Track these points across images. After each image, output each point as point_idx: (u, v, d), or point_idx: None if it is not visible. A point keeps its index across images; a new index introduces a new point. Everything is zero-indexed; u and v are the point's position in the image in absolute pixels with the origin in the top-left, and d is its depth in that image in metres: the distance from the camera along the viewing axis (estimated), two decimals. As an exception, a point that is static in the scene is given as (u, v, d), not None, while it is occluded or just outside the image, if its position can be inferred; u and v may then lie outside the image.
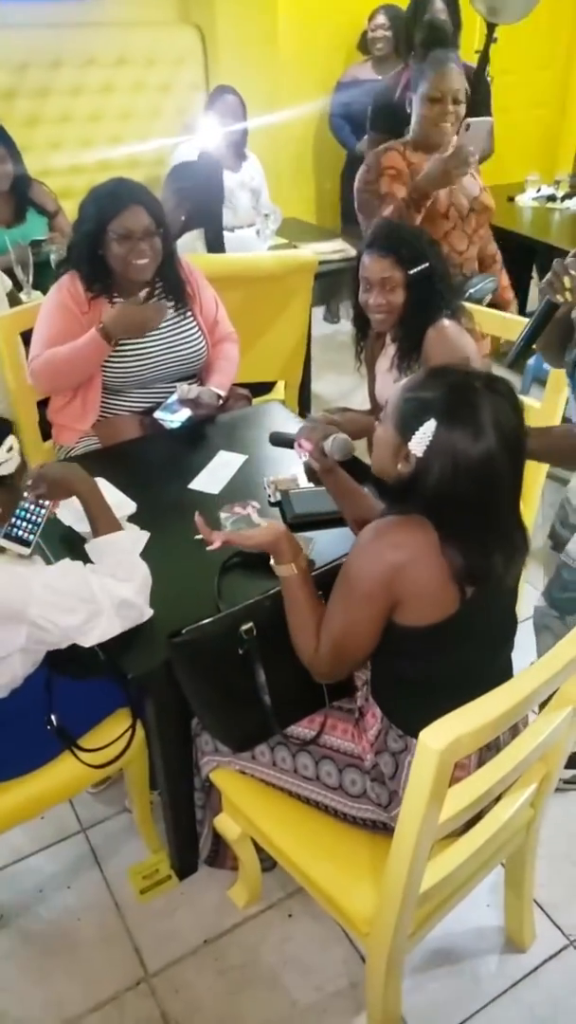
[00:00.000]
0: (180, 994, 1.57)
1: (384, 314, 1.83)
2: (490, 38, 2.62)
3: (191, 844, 1.69)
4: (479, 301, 2.21)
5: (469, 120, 2.15)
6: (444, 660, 1.20)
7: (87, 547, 1.46)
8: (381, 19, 3.68)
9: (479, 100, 3.04)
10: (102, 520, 1.45)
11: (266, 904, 1.71)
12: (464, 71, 3.04)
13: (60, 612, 1.29)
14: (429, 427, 1.11)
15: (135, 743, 1.54)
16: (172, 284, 2.07)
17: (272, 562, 1.30)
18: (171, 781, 1.59)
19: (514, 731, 1.24)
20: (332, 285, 4.30)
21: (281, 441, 1.84)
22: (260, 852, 1.56)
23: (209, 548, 1.38)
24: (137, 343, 2.02)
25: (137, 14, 3.59)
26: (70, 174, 3.49)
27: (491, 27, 2.56)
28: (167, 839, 1.72)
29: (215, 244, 2.70)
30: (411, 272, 1.78)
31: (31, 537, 1.39)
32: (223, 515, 1.53)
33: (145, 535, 1.51)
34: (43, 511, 1.41)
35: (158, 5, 3.65)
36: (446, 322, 1.81)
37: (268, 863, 1.62)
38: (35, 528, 1.40)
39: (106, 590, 1.34)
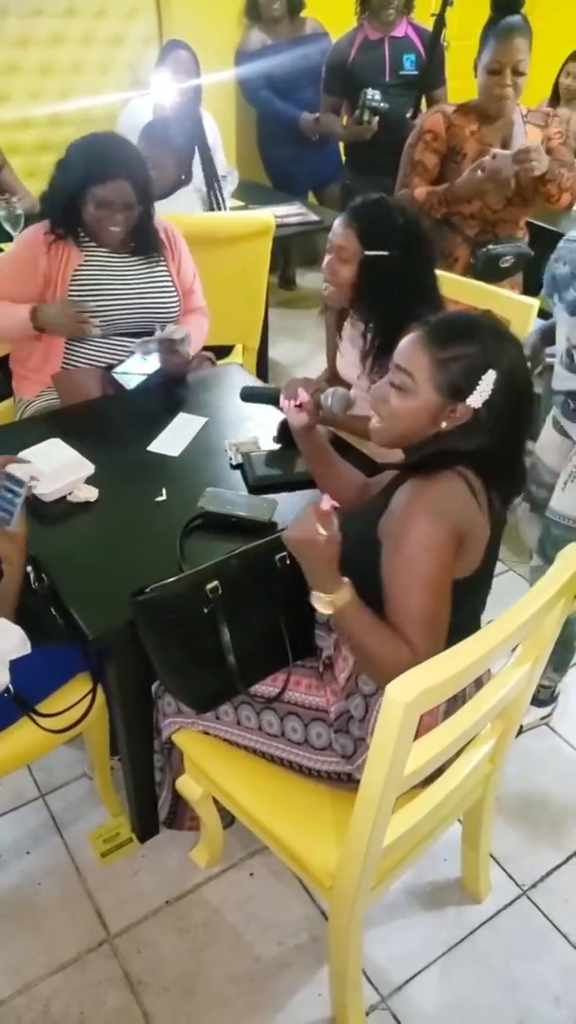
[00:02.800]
0: (143, 953, 1.57)
1: (329, 284, 1.76)
2: (445, 2, 2.58)
3: (151, 806, 1.69)
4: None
5: (495, 151, 2.18)
6: (459, 611, 1.19)
7: None
8: None
9: (433, 66, 3.03)
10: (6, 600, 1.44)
11: (228, 864, 1.72)
12: (420, 35, 3.03)
13: None
14: (490, 378, 1.14)
15: (95, 707, 1.53)
16: (145, 239, 2.04)
17: (317, 597, 1.15)
18: (132, 744, 1.58)
19: (478, 683, 1.26)
20: (289, 250, 4.26)
21: (256, 396, 1.73)
22: (219, 810, 1.57)
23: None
24: (107, 286, 1.98)
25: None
26: (18, 128, 3.37)
27: None
28: (128, 802, 1.71)
29: (216, 201, 2.65)
30: (367, 252, 1.68)
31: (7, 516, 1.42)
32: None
33: (19, 650, 1.43)
34: (17, 498, 1.42)
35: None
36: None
37: (227, 819, 1.63)
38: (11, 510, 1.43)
39: None
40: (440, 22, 2.66)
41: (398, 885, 1.68)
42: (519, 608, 1.13)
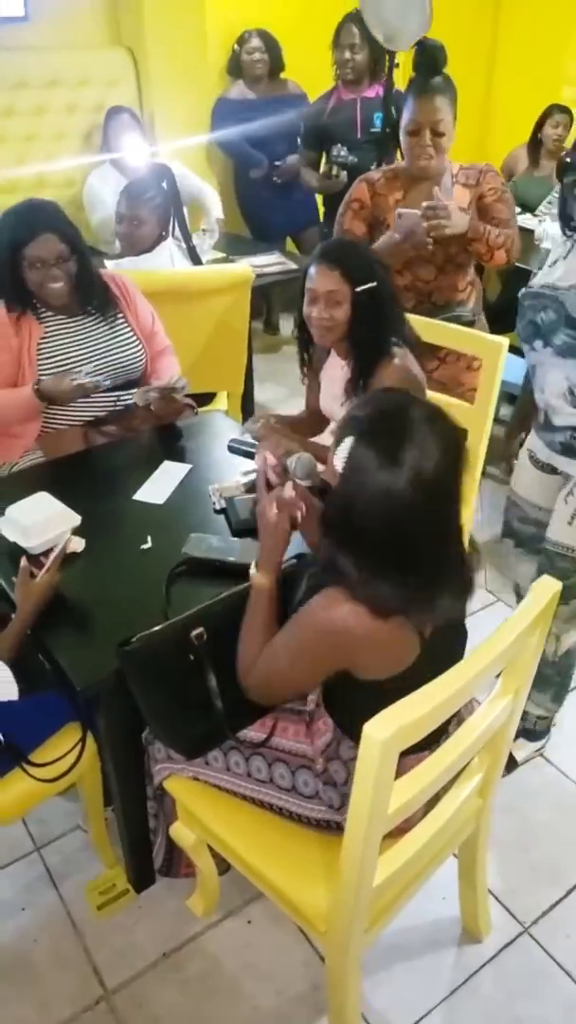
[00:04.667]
0: (142, 1009, 1.55)
1: (326, 328, 1.80)
2: (391, 64, 2.65)
3: (147, 856, 1.69)
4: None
5: (400, 211, 2.16)
6: (408, 691, 1.14)
7: None
8: (257, 42, 3.75)
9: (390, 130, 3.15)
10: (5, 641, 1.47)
11: (225, 911, 1.71)
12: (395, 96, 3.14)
13: None
14: (347, 443, 1.10)
15: (86, 756, 1.53)
16: (95, 297, 2.09)
17: (254, 568, 1.32)
18: (124, 792, 1.59)
19: (460, 719, 1.27)
20: (270, 297, 4.36)
21: (237, 451, 1.93)
22: (215, 856, 1.57)
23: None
24: (73, 353, 2.03)
25: (68, 37, 3.61)
26: (4, 192, 3.47)
27: (391, 55, 2.60)
28: (123, 852, 1.71)
29: (194, 253, 2.75)
30: (358, 289, 1.75)
31: None
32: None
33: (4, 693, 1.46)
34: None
35: (89, 28, 3.67)
36: (397, 361, 1.80)
37: (223, 866, 1.62)
38: None
39: None
40: (389, 83, 2.74)
41: (397, 926, 1.65)
42: (493, 641, 1.15)
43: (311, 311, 1.81)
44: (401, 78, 2.89)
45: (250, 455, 1.66)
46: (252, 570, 1.33)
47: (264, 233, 4.01)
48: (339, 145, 3.08)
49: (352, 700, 1.23)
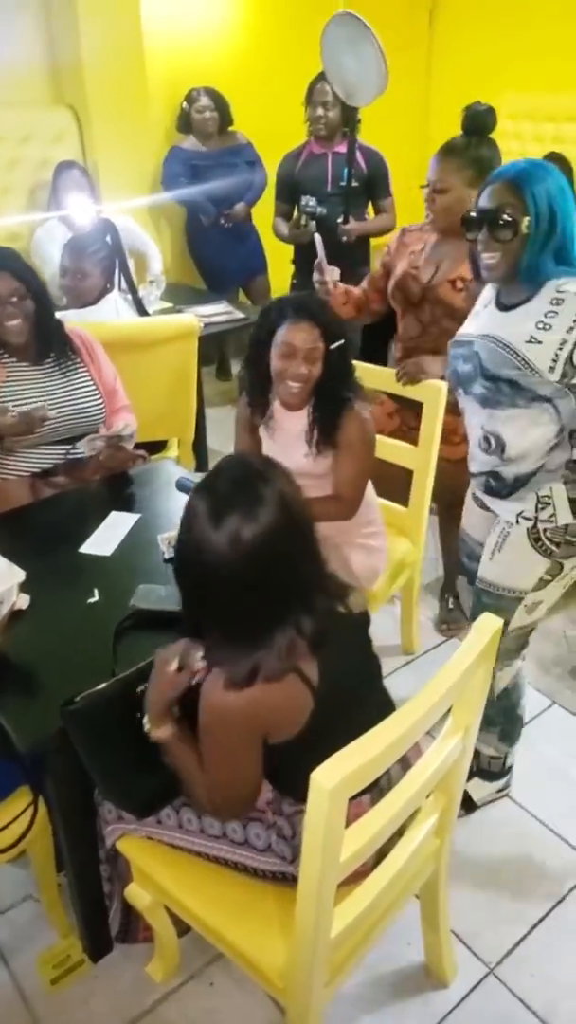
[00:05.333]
0: None
1: (302, 385, 1.83)
2: (354, 119, 2.77)
3: (102, 922, 1.63)
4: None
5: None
6: (327, 744, 1.08)
7: None
8: (206, 100, 3.86)
9: (376, 180, 3.32)
10: None
11: (186, 975, 1.66)
12: (361, 152, 3.23)
13: None
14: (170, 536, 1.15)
15: (37, 822, 1.49)
16: (56, 345, 2.11)
17: (148, 722, 1.27)
18: (76, 855, 1.54)
19: (405, 765, 1.26)
20: (221, 344, 4.42)
21: (186, 489, 1.95)
22: (173, 918, 1.53)
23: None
24: (32, 399, 2.03)
25: (9, 95, 3.66)
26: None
27: (352, 111, 2.72)
28: (76, 919, 1.65)
29: (140, 304, 2.78)
30: (331, 347, 1.81)
31: None
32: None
33: None
34: None
35: (30, 87, 3.73)
36: (358, 406, 1.87)
37: (182, 927, 1.58)
38: None
39: None
40: (352, 139, 2.85)
41: (362, 976, 1.63)
42: (436, 682, 1.16)
43: (287, 366, 1.82)
44: (364, 133, 3.05)
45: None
46: (146, 725, 1.27)
47: (217, 281, 4.08)
48: (308, 196, 3.17)
49: (276, 763, 1.23)
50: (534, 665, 2.43)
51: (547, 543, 1.66)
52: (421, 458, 2.18)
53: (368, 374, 2.29)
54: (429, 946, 1.63)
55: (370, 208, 3.45)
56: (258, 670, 1.12)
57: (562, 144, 4.21)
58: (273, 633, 1.13)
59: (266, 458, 1.21)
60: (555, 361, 1.49)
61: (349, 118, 2.68)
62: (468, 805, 1.96)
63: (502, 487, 1.67)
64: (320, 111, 3.24)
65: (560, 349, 1.49)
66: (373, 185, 3.32)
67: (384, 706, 1.34)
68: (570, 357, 1.49)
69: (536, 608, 1.74)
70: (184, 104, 3.91)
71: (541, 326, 1.51)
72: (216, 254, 4.06)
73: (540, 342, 1.50)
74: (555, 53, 4.25)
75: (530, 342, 1.51)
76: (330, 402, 1.86)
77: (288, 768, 1.21)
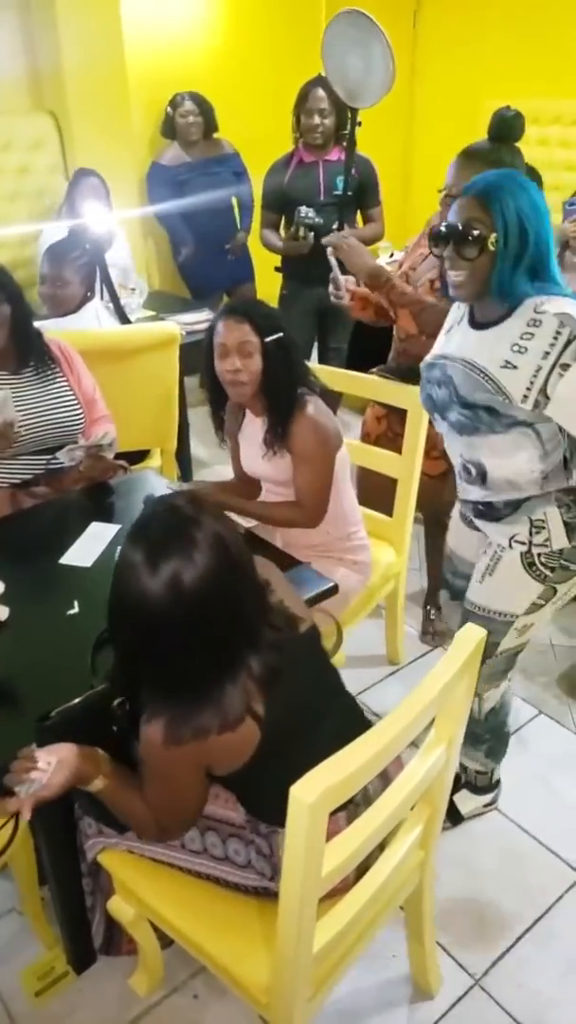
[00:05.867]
0: None
1: (242, 382, 1.83)
2: (354, 122, 2.66)
3: (86, 934, 1.61)
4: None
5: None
6: (287, 764, 1.08)
7: None
8: (190, 105, 3.86)
9: (365, 188, 3.25)
10: None
11: (170, 988, 1.64)
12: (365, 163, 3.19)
13: None
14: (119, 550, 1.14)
15: (18, 835, 1.47)
16: (34, 353, 2.10)
17: (77, 785, 1.24)
18: (58, 869, 1.52)
19: (385, 780, 1.26)
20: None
21: None
22: (157, 930, 1.51)
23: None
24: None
25: (-12, 102, 3.65)
26: None
27: (353, 113, 2.60)
28: (60, 932, 1.63)
29: (121, 312, 2.76)
30: (267, 339, 1.81)
31: None
32: (17, 788, 1.24)
33: None
34: None
35: (10, 94, 3.71)
36: (312, 409, 1.85)
37: (165, 940, 1.56)
38: None
39: None
40: (351, 142, 2.70)
41: (347, 989, 1.62)
42: (418, 694, 1.15)
43: (223, 365, 1.84)
44: (362, 137, 2.98)
45: None
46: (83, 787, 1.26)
47: (202, 290, 4.08)
48: (305, 207, 3.11)
49: (234, 787, 1.24)
50: (520, 675, 2.43)
51: (541, 568, 1.61)
52: (405, 467, 2.18)
53: (355, 382, 2.30)
54: (414, 957, 1.62)
55: (359, 218, 3.42)
56: (203, 729, 1.11)
57: (548, 147, 4.26)
58: (223, 685, 1.12)
59: (194, 497, 1.17)
60: (528, 389, 1.44)
61: (350, 121, 2.58)
62: (455, 818, 1.95)
63: (493, 511, 1.63)
64: (316, 119, 3.15)
65: (535, 376, 1.43)
66: (363, 193, 3.29)
67: (349, 711, 1.33)
68: (543, 386, 1.43)
69: (526, 631, 1.71)
70: (168, 109, 3.91)
71: (517, 348, 1.45)
72: (201, 263, 4.05)
73: (515, 367, 1.45)
74: (539, 57, 4.29)
75: (505, 367, 1.46)
76: (279, 399, 1.86)
77: (250, 793, 1.22)
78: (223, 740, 1.13)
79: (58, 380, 2.13)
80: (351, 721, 1.11)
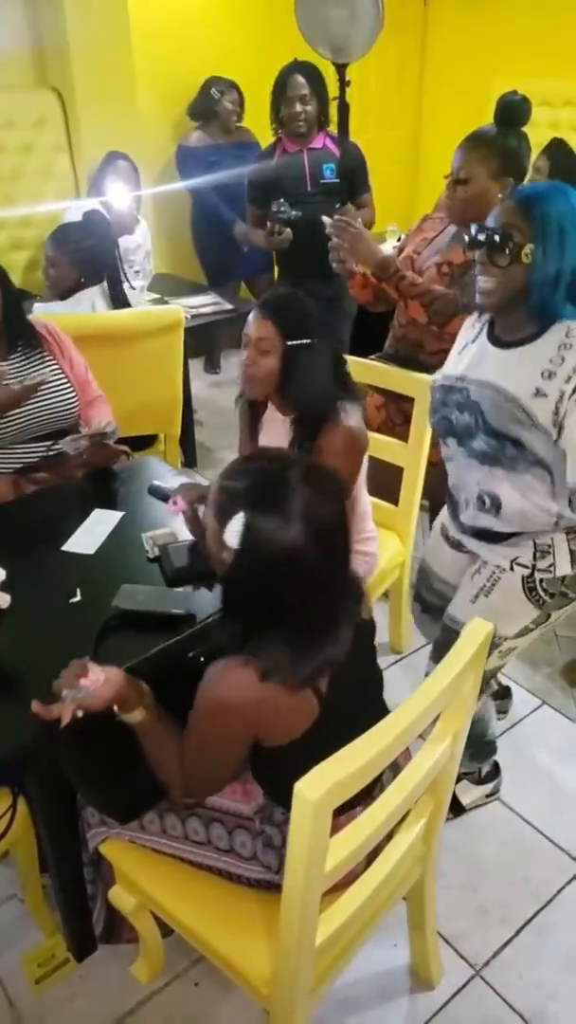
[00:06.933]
0: None
1: (250, 376, 1.78)
2: (343, 82, 2.39)
3: (86, 922, 1.61)
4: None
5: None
6: (325, 750, 1.09)
7: None
8: (235, 95, 3.83)
9: (354, 172, 3.04)
10: None
11: (171, 975, 1.64)
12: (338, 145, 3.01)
13: None
14: (239, 519, 1.08)
15: (17, 822, 1.47)
16: (23, 336, 2.07)
17: (117, 711, 1.24)
18: (59, 857, 1.52)
19: (395, 770, 1.25)
20: (210, 336, 4.37)
21: (159, 494, 1.94)
22: (158, 919, 1.51)
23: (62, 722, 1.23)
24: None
25: (-9, 78, 3.59)
26: None
27: (341, 71, 2.34)
28: (61, 920, 1.63)
29: (120, 299, 2.71)
30: (290, 343, 1.72)
31: None
32: (65, 692, 1.26)
33: None
34: None
35: (13, 70, 3.65)
36: (347, 421, 1.76)
37: (166, 929, 1.56)
38: None
39: None
40: (344, 105, 2.40)
41: (348, 979, 1.62)
42: (427, 687, 1.14)
43: (241, 356, 1.79)
44: (371, 120, 2.77)
45: (166, 499, 1.71)
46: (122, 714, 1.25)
47: (220, 278, 4.03)
48: (280, 201, 2.97)
49: (268, 768, 1.22)
50: (524, 665, 2.42)
51: (541, 593, 1.57)
52: (412, 456, 2.16)
53: (355, 366, 2.26)
54: (415, 948, 1.62)
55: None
56: (307, 675, 1.13)
57: (559, 130, 4.19)
58: (338, 624, 1.14)
59: (275, 451, 1.21)
60: (555, 415, 1.38)
61: (339, 81, 2.31)
62: (456, 809, 1.95)
63: (496, 534, 1.58)
64: (298, 107, 2.98)
65: (560, 402, 1.37)
66: (352, 178, 3.05)
67: (382, 713, 1.32)
68: (565, 412, 1.36)
69: (509, 654, 1.68)
70: (213, 91, 3.86)
71: (546, 374, 1.38)
72: (220, 249, 4.00)
73: (545, 395, 1.37)
74: (552, 37, 4.21)
75: (536, 395, 1.38)
76: (304, 407, 1.78)
77: (282, 775, 1.19)
78: (284, 705, 1.12)
79: (48, 364, 2.09)
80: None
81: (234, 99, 3.85)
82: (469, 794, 1.97)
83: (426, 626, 1.94)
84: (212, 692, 1.14)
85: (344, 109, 2.36)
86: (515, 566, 1.58)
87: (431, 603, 1.86)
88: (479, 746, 1.91)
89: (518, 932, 1.73)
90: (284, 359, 1.74)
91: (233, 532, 1.08)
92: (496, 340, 1.48)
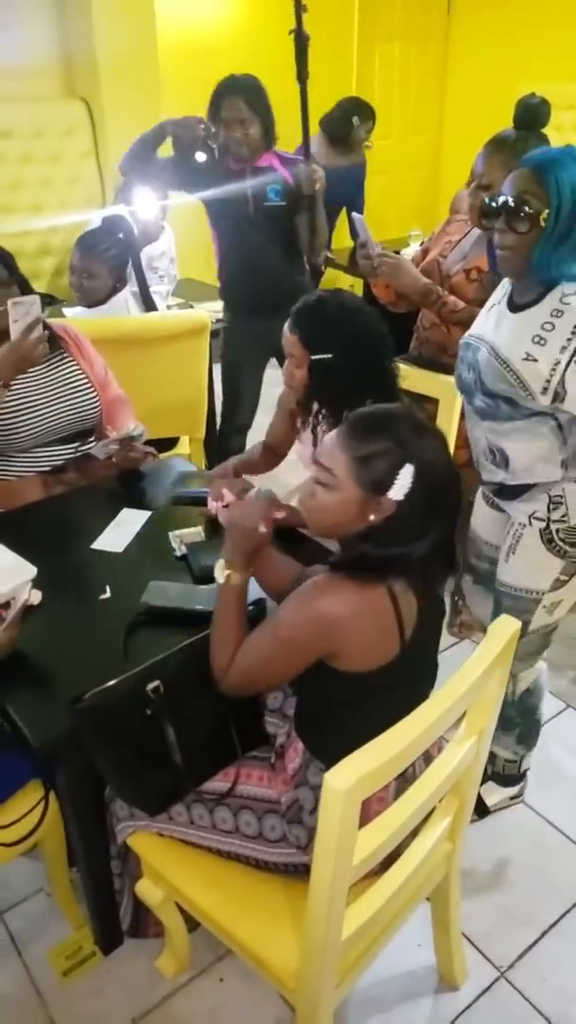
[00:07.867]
0: None
1: (291, 388, 1.80)
2: (299, 8, 2.20)
3: (113, 916, 1.63)
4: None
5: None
6: (380, 703, 1.18)
7: None
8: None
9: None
10: None
11: (197, 970, 1.66)
12: (285, 164, 2.70)
13: None
14: (408, 472, 1.13)
15: (48, 816, 1.49)
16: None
17: (222, 564, 1.31)
18: (87, 851, 1.54)
19: (428, 759, 1.26)
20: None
21: (185, 499, 1.94)
22: (184, 913, 1.52)
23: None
24: (21, 401, 2.01)
25: (22, 89, 3.66)
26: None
27: (301, 37, 2.25)
28: (88, 913, 1.65)
29: (148, 301, 2.74)
30: (313, 357, 1.70)
31: None
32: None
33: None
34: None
35: (43, 80, 3.73)
36: None
37: (192, 923, 1.58)
38: None
39: None
40: (300, 41, 2.23)
41: (372, 978, 1.63)
42: (453, 684, 1.15)
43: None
44: (394, 126, 2.43)
45: (201, 501, 1.72)
46: (219, 573, 1.32)
47: None
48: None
49: (328, 699, 1.23)
50: (548, 668, 2.40)
51: (560, 543, 1.63)
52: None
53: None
54: (440, 948, 1.62)
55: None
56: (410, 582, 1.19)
57: (581, 135, 4.20)
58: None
59: (378, 410, 1.26)
60: (547, 382, 1.43)
61: (296, 20, 2.10)
62: (481, 810, 1.94)
63: (514, 488, 1.64)
64: (238, 132, 2.58)
65: (553, 370, 1.42)
66: (298, 202, 2.66)
67: (431, 686, 1.34)
68: (562, 379, 1.41)
69: (557, 607, 1.71)
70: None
71: (537, 340, 1.43)
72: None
73: (535, 359, 1.43)
74: (575, 42, 4.22)
75: (526, 359, 1.45)
76: (331, 415, 1.74)
77: (339, 709, 1.23)
78: (379, 627, 1.17)
79: (69, 365, 2.11)
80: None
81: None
82: (494, 796, 1.96)
83: (480, 599, 1.95)
84: (307, 604, 1.17)
85: (301, 40, 2.17)
86: (533, 520, 1.63)
87: (482, 570, 1.88)
88: (528, 722, 1.89)
89: (543, 934, 1.72)
90: (309, 371, 1.72)
91: (401, 486, 1.14)
92: (512, 304, 1.52)
